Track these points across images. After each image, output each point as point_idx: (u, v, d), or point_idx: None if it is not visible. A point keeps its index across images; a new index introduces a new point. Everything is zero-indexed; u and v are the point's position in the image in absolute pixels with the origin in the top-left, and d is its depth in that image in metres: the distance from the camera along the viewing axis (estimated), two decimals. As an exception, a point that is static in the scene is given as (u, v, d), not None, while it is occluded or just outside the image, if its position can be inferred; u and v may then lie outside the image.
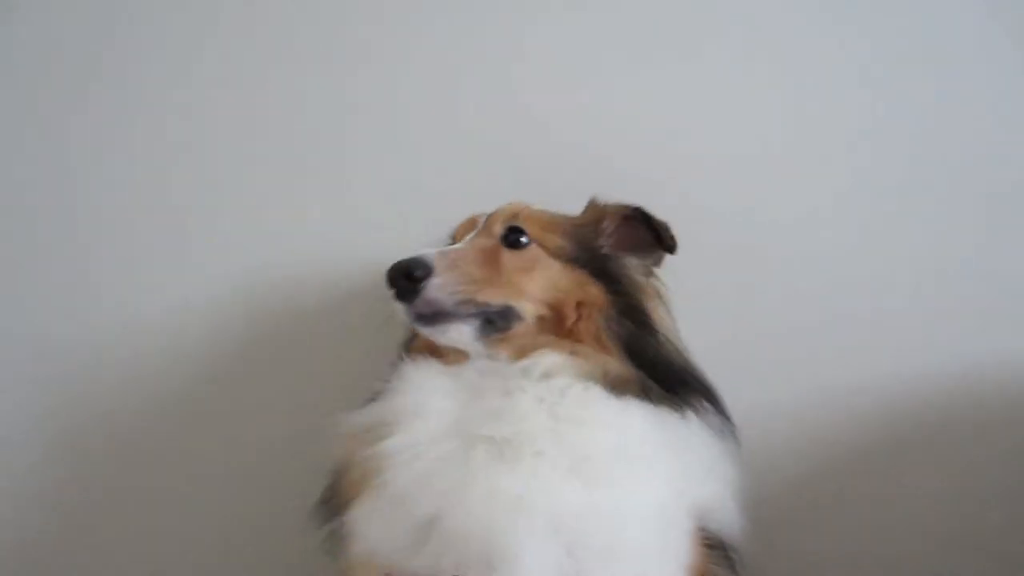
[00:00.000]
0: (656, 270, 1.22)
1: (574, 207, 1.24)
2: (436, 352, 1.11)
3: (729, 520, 1.04)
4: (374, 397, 1.10)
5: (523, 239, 1.15)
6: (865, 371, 1.44)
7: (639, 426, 1.00)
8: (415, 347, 1.16)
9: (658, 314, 1.15)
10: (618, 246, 1.21)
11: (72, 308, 1.52)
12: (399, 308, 1.05)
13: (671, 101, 1.51)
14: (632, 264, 1.19)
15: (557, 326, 1.10)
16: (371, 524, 0.97)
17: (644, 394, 1.03)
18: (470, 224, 1.22)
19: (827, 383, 1.45)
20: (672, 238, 1.18)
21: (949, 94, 1.48)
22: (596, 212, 1.23)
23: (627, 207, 1.21)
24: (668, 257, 1.20)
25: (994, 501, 1.42)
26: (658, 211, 1.19)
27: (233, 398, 1.51)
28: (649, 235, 1.19)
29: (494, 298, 1.07)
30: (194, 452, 1.51)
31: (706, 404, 1.09)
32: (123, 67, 1.56)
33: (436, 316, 1.05)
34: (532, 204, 1.22)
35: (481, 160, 1.50)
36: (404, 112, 1.53)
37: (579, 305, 1.11)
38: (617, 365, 1.06)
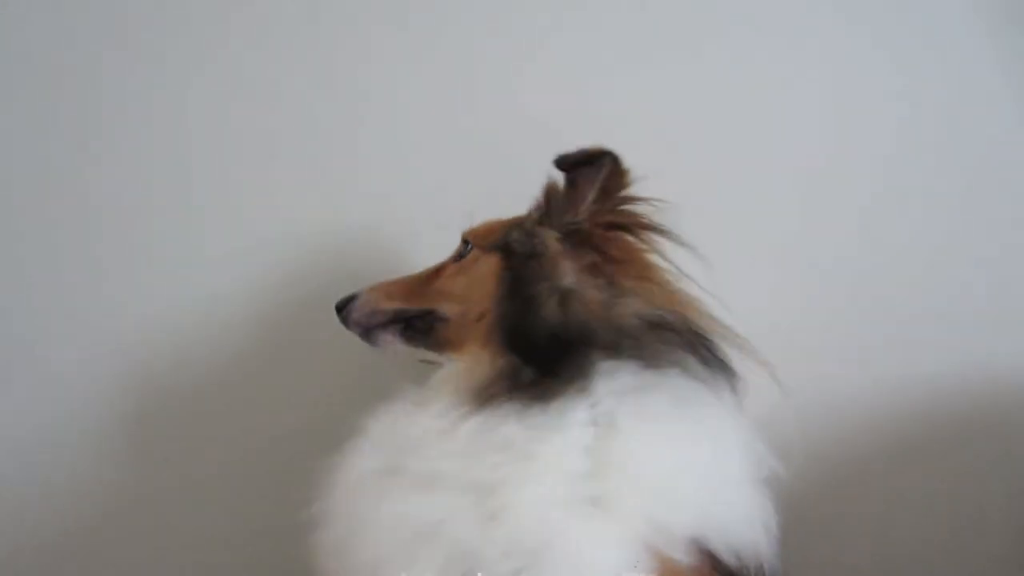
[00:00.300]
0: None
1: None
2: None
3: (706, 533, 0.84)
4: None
5: (468, 248, 1.16)
6: (874, 372, 1.44)
7: (490, 446, 0.88)
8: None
9: (563, 268, 1.01)
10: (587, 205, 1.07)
11: (74, 307, 1.52)
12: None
13: (672, 99, 1.51)
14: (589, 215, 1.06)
15: (478, 320, 1.04)
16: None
17: (508, 391, 0.91)
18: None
19: (834, 384, 1.45)
20: (597, 151, 1.05)
21: (959, 94, 1.49)
22: (548, 197, 1.12)
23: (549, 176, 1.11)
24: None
25: (1002, 503, 1.42)
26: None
27: (237, 397, 1.51)
28: (580, 169, 1.07)
29: (410, 304, 1.14)
30: (197, 452, 1.51)
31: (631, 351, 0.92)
32: (130, 66, 1.56)
33: (366, 332, 1.16)
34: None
35: (484, 160, 1.51)
36: (408, 113, 1.53)
37: (484, 298, 1.05)
38: (485, 366, 0.96)
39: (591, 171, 1.06)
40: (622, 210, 1.07)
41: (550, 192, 1.12)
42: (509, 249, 1.07)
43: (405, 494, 0.87)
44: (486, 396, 0.91)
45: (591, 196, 1.07)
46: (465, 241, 1.18)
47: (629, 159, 1.39)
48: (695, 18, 1.52)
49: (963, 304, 1.45)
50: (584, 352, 0.91)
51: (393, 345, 1.15)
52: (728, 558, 0.84)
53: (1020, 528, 1.42)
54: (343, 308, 1.18)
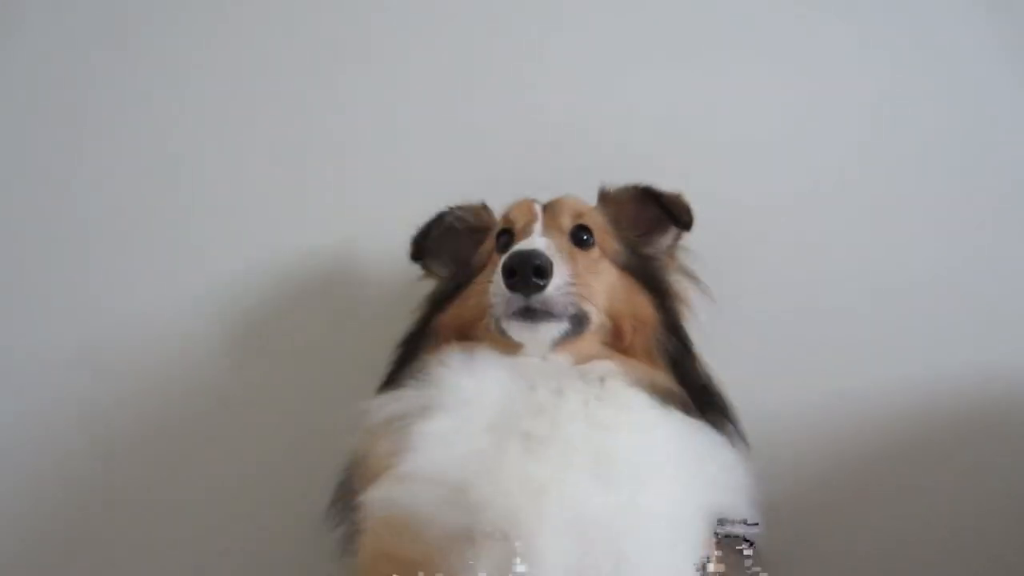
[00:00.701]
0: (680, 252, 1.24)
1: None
2: (468, 341, 1.11)
3: (746, 525, 1.02)
4: (399, 386, 1.09)
5: (590, 239, 1.14)
6: (874, 375, 1.42)
7: (675, 435, 1.00)
8: (442, 336, 1.14)
9: (687, 326, 1.16)
10: (639, 233, 1.22)
11: (71, 309, 1.50)
12: (502, 296, 1.03)
13: (679, 95, 1.51)
14: (664, 258, 1.22)
15: (615, 339, 1.10)
16: (395, 491, 0.94)
17: (684, 408, 1.04)
18: (527, 210, 1.19)
19: (834, 387, 1.43)
20: (687, 211, 1.18)
21: (953, 92, 1.48)
22: (614, 203, 1.23)
23: (634, 188, 1.21)
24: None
25: (1003, 504, 1.42)
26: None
27: (235, 397, 1.48)
28: (661, 213, 1.20)
29: (583, 302, 1.06)
30: (195, 454, 1.48)
31: (728, 421, 1.10)
32: (124, 67, 1.55)
33: (538, 314, 1.03)
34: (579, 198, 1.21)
35: (485, 155, 1.50)
36: (407, 108, 1.52)
37: (633, 319, 1.11)
38: (665, 379, 1.07)
39: (677, 224, 1.21)
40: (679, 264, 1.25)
41: (638, 213, 1.22)
42: (645, 273, 1.17)
43: (540, 460, 0.93)
44: (667, 400, 1.04)
45: (666, 244, 1.23)
46: (582, 227, 1.15)
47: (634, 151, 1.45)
48: (700, 15, 1.52)
49: (965, 305, 1.44)
50: (715, 406, 1.11)
51: (545, 338, 1.05)
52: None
53: (1021, 526, 1.42)
54: (544, 272, 1.02)
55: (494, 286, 1.05)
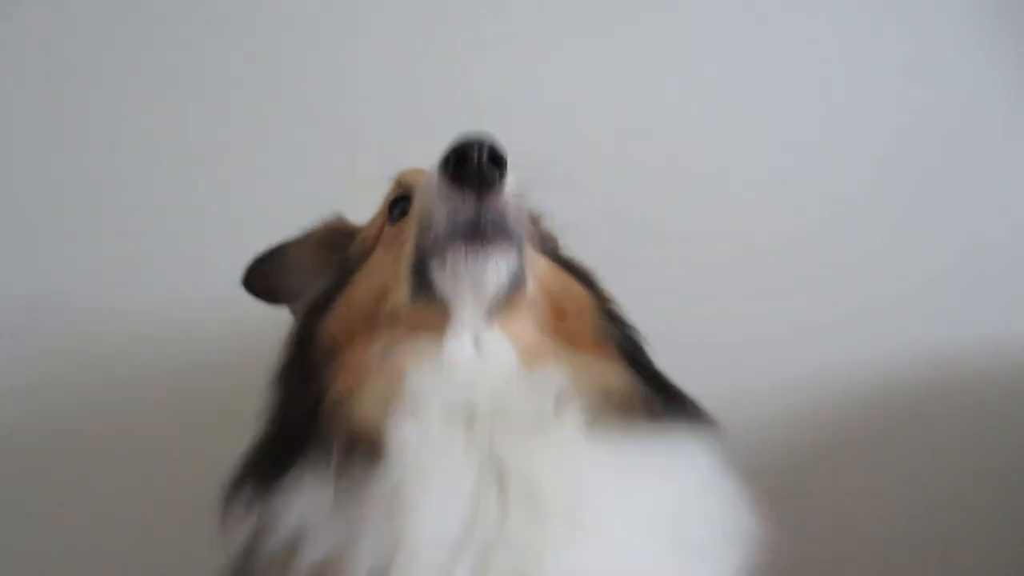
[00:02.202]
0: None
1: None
2: (366, 344, 0.84)
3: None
4: (292, 474, 0.76)
5: None
6: (842, 354, 1.46)
7: (656, 475, 0.80)
8: (331, 350, 0.85)
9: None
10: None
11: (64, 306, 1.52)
12: (443, 207, 0.78)
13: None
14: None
15: (556, 321, 0.90)
16: None
17: (651, 413, 0.84)
18: (423, 173, 0.90)
19: (802, 369, 1.46)
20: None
21: (926, 72, 1.53)
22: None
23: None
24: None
25: (970, 482, 1.44)
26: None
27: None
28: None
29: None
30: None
31: (696, 415, 0.89)
32: (126, 68, 1.58)
33: (490, 237, 0.79)
34: None
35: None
36: (404, 109, 1.56)
37: (570, 301, 0.94)
38: (621, 377, 0.87)
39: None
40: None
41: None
42: (564, 264, 1.01)
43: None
44: (629, 411, 0.83)
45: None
46: None
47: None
48: (690, 21, 1.56)
49: (940, 285, 1.48)
50: (676, 394, 0.91)
51: (496, 278, 0.81)
52: None
53: (1003, 496, 1.44)
54: (502, 163, 0.79)
55: (427, 199, 0.80)
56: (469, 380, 0.80)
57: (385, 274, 0.87)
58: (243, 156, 1.55)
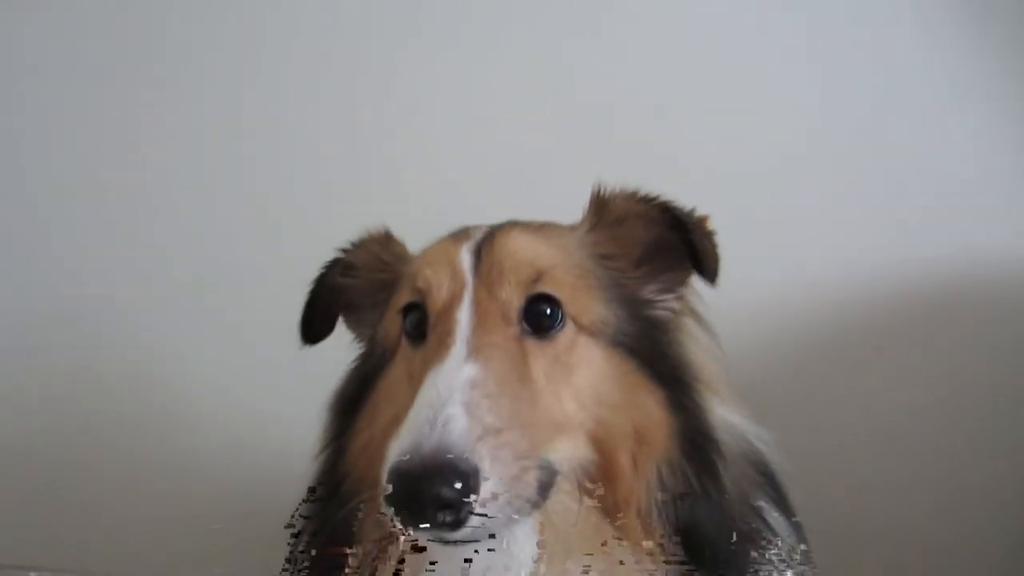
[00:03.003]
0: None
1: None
2: None
3: None
4: None
5: (555, 318, 0.74)
6: (878, 253, 1.49)
7: None
8: (358, 487, 0.77)
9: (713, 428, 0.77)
10: (638, 273, 0.82)
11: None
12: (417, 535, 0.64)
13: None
14: (671, 310, 0.82)
15: (604, 483, 0.71)
16: None
17: None
18: (448, 269, 0.77)
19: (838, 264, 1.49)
20: (715, 255, 0.78)
21: None
22: (611, 219, 0.83)
23: (646, 201, 0.82)
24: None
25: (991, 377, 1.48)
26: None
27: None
28: (677, 248, 0.80)
29: (536, 453, 0.67)
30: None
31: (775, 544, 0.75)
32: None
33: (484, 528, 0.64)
34: (529, 221, 0.86)
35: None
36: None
37: (635, 439, 0.73)
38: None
39: (699, 271, 0.79)
40: None
41: (641, 238, 0.82)
42: (649, 347, 0.74)
43: None
44: None
45: (672, 293, 0.82)
46: (542, 297, 0.73)
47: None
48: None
49: (961, 190, 1.49)
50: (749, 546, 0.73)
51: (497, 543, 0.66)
52: None
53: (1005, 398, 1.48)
54: (461, 490, 0.61)
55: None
56: None
57: (399, 404, 0.73)
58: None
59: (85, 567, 1.57)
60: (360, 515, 0.74)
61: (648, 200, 0.83)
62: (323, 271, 0.93)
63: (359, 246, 0.93)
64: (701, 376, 0.78)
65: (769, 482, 0.82)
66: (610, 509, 0.71)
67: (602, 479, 0.71)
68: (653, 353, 0.76)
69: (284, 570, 0.77)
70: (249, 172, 1.62)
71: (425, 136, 1.57)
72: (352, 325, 0.96)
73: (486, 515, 0.61)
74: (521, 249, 0.77)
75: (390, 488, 0.61)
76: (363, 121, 1.59)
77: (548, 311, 0.74)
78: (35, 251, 1.66)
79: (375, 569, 0.70)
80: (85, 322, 1.61)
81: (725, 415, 0.79)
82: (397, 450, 0.62)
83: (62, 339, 1.62)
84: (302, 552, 0.76)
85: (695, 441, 0.73)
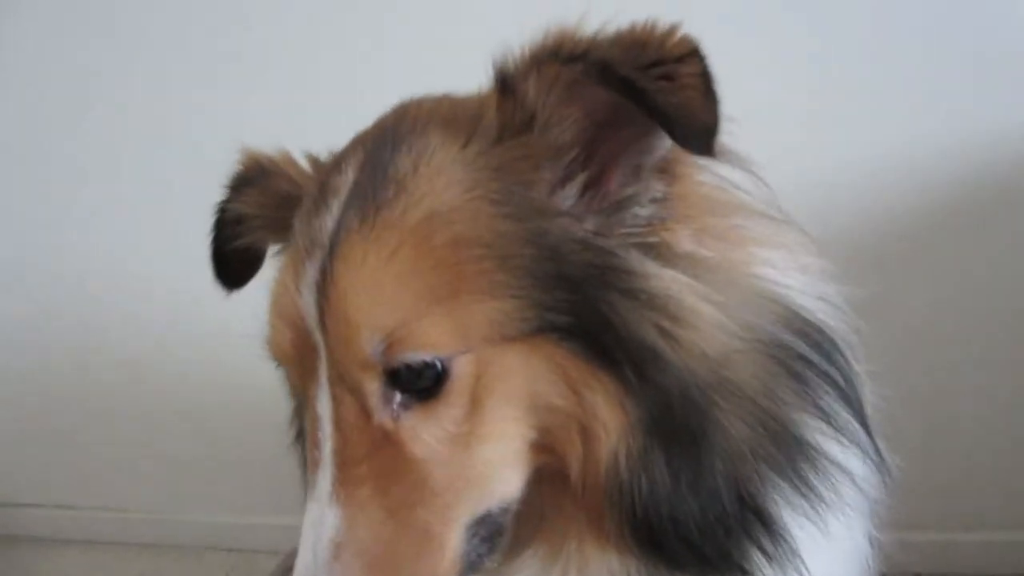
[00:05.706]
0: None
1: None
2: None
3: None
4: None
5: (431, 371, 0.57)
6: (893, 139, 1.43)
7: None
8: None
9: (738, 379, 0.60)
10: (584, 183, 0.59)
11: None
12: None
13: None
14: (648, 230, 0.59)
15: (558, 492, 0.62)
16: None
17: None
18: (292, 299, 0.61)
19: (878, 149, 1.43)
20: (697, 107, 0.53)
21: None
22: (525, 114, 0.58)
23: (581, 66, 0.55)
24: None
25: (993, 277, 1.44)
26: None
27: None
28: (640, 117, 0.55)
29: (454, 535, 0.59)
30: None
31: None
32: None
33: None
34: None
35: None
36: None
37: (583, 436, 0.59)
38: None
39: (678, 135, 0.55)
40: None
41: (583, 128, 0.59)
42: (603, 324, 0.57)
43: None
44: None
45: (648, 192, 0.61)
46: (404, 367, 0.57)
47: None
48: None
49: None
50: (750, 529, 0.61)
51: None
52: None
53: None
54: None
55: None
56: None
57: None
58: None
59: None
60: None
61: (574, 58, 0.55)
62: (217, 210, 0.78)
63: (240, 193, 0.77)
64: (693, 308, 0.58)
65: (829, 375, 0.63)
66: (569, 511, 0.62)
67: (557, 481, 0.61)
68: (601, 324, 0.56)
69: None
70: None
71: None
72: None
73: None
74: (356, 310, 0.56)
75: None
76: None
77: (420, 373, 0.56)
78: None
79: None
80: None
81: (761, 297, 0.61)
82: None
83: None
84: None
85: (672, 410, 0.57)
